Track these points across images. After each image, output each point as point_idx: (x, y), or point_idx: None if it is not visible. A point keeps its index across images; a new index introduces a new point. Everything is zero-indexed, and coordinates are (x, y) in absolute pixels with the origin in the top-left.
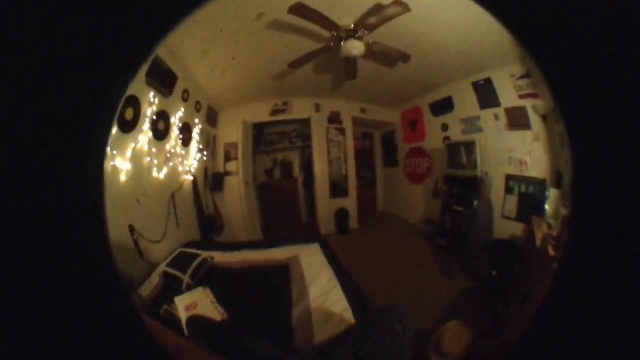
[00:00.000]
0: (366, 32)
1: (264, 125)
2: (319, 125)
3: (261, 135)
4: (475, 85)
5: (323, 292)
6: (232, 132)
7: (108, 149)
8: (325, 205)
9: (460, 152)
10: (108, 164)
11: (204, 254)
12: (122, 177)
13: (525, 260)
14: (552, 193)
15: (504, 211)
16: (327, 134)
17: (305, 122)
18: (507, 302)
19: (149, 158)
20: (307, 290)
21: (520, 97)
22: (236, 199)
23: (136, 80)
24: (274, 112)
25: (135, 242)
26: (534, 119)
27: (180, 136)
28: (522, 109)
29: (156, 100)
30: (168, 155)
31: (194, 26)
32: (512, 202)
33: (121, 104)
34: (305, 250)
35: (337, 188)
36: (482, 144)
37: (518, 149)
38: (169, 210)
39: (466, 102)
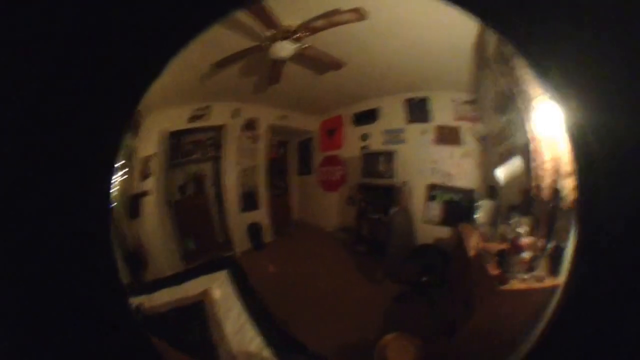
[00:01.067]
0: (307, 34)
1: (182, 133)
2: (232, 133)
3: (178, 145)
4: (410, 101)
5: (237, 330)
6: (150, 143)
7: None
8: (238, 221)
9: (377, 161)
10: None
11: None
12: None
13: (455, 265)
14: (485, 204)
15: (427, 217)
16: (240, 143)
17: (220, 129)
18: (446, 307)
19: None
20: (223, 329)
21: (457, 119)
22: (154, 225)
23: None
24: (193, 118)
25: None
26: (468, 139)
27: None
28: (454, 129)
29: None
30: None
31: None
32: (435, 209)
33: None
34: (216, 281)
35: (248, 201)
36: (404, 155)
37: (444, 162)
38: None
39: (393, 116)
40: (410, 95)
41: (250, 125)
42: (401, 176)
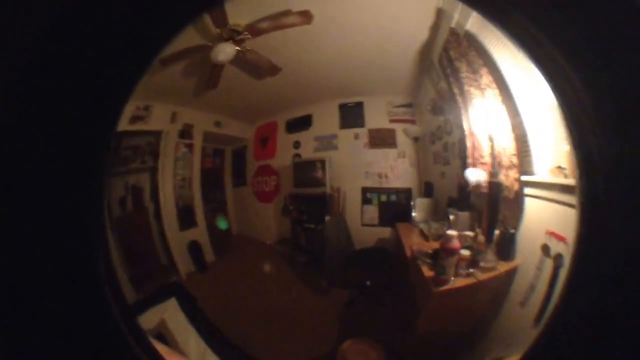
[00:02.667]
0: (249, 36)
1: (123, 135)
2: (169, 142)
3: (118, 150)
4: (342, 106)
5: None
6: None
7: None
8: (178, 241)
9: (308, 170)
10: None
11: None
12: None
13: (399, 266)
14: (420, 202)
15: (363, 220)
16: (176, 152)
17: (159, 136)
18: (397, 307)
19: None
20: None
21: (392, 121)
22: None
23: None
24: (134, 118)
25: None
26: (402, 140)
27: None
28: (391, 131)
29: None
30: None
31: None
32: (372, 211)
33: None
34: (168, 309)
35: (186, 218)
36: (336, 162)
37: (377, 165)
38: None
39: (327, 121)
40: (345, 100)
41: (186, 132)
42: (335, 182)
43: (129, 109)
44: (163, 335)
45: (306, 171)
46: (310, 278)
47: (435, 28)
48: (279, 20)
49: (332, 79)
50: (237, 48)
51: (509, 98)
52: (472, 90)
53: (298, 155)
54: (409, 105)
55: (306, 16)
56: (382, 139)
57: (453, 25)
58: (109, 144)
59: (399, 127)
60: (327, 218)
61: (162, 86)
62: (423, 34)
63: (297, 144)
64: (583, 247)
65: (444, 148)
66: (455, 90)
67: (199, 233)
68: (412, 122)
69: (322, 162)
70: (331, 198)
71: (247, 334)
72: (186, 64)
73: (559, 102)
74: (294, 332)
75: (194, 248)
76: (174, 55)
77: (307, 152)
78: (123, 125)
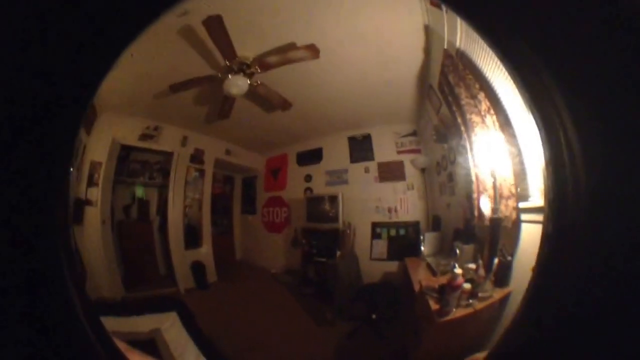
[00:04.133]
0: (259, 70)
1: (131, 149)
2: (180, 164)
3: (126, 160)
4: (352, 140)
5: None
6: (100, 146)
7: None
8: (181, 257)
9: (321, 205)
10: None
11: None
12: None
13: (405, 298)
14: (428, 236)
15: (372, 255)
16: (187, 175)
17: (169, 156)
18: (397, 338)
19: None
20: None
21: (400, 152)
22: (96, 239)
23: None
24: (144, 136)
25: None
26: (410, 172)
27: None
28: (399, 163)
29: None
30: None
31: None
32: (381, 246)
33: None
34: (166, 321)
35: (192, 238)
36: (347, 196)
37: (387, 199)
38: None
39: (337, 155)
40: (353, 132)
41: (197, 157)
42: (347, 217)
43: (138, 125)
44: (155, 342)
45: (319, 206)
46: (314, 309)
47: (427, 49)
48: (287, 55)
49: (339, 111)
50: (249, 82)
51: (507, 123)
52: (474, 117)
53: (310, 189)
54: (413, 134)
55: (314, 50)
56: (391, 172)
57: (445, 46)
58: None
59: (406, 159)
60: (338, 253)
61: (173, 110)
62: (418, 57)
63: (308, 178)
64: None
65: (449, 178)
66: (458, 118)
67: (204, 254)
68: (418, 151)
69: (335, 198)
70: (343, 234)
71: (244, 356)
72: (197, 91)
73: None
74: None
75: (197, 267)
76: (183, 84)
77: (319, 185)
78: (132, 140)
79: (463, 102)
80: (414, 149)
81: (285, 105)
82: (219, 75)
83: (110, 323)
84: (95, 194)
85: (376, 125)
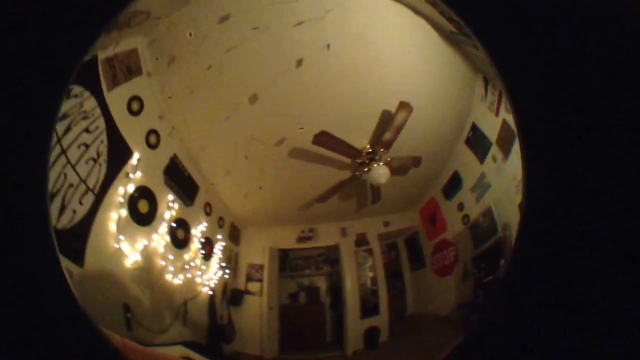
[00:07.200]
0: (383, 150)
1: (289, 250)
2: (347, 251)
3: (286, 260)
4: (468, 141)
5: None
6: (256, 253)
7: None
8: (355, 327)
9: (481, 225)
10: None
11: None
12: (127, 263)
13: None
14: None
15: None
16: (357, 259)
17: (333, 248)
18: None
19: (164, 262)
20: None
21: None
22: (256, 318)
23: (151, 174)
24: (301, 239)
25: (128, 319)
26: None
27: (202, 251)
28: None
29: (176, 206)
30: (187, 266)
31: (216, 139)
32: None
33: None
34: None
35: (368, 308)
36: (494, 197)
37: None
38: (179, 313)
39: (468, 165)
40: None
41: (361, 240)
42: (500, 222)
43: (292, 232)
44: None
45: (479, 227)
46: None
47: None
48: (393, 124)
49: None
50: (383, 164)
51: None
52: None
53: (467, 216)
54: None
55: (406, 106)
56: (505, 139)
57: None
58: None
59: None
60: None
61: (323, 212)
62: None
63: (460, 206)
64: None
65: None
66: None
67: (380, 320)
68: None
69: (489, 210)
70: (503, 239)
71: None
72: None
73: None
74: None
75: (372, 332)
76: (327, 193)
77: (471, 207)
78: (291, 244)
79: None
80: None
81: (416, 162)
82: (357, 173)
83: None
84: (257, 287)
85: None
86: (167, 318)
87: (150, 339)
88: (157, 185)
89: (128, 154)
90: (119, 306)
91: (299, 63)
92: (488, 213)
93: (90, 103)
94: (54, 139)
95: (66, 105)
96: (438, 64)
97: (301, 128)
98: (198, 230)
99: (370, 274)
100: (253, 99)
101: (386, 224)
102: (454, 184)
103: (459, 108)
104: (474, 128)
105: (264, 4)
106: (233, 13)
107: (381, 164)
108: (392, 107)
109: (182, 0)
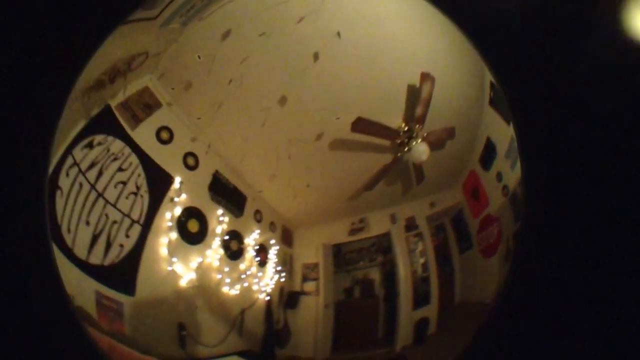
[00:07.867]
0: (418, 126)
1: (342, 244)
2: (398, 237)
3: (340, 255)
4: (492, 102)
5: None
6: (309, 252)
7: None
8: (408, 319)
9: (518, 197)
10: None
11: None
12: (182, 283)
13: None
14: None
15: None
16: (408, 244)
17: (384, 236)
18: None
19: (220, 275)
20: None
21: None
22: (311, 318)
23: (196, 193)
24: (353, 231)
25: (182, 337)
26: None
27: (257, 258)
28: None
29: (226, 219)
30: (243, 276)
31: (255, 147)
32: None
33: None
34: None
35: (420, 298)
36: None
37: None
38: (235, 323)
39: (497, 129)
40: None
41: (411, 225)
42: None
43: (343, 226)
44: None
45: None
46: None
47: None
48: (423, 96)
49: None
50: (422, 140)
51: None
52: None
53: (506, 186)
54: None
55: (428, 77)
56: None
57: None
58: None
59: None
60: None
61: (370, 200)
62: None
63: (499, 176)
64: None
65: None
66: None
67: (430, 310)
68: None
69: None
70: None
71: None
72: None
73: None
74: None
75: (421, 324)
76: (374, 179)
77: (508, 176)
78: (343, 238)
79: None
80: None
81: (452, 133)
82: (399, 155)
83: None
84: (313, 286)
85: None
86: (223, 330)
87: (206, 354)
88: (204, 203)
89: (168, 180)
90: (172, 327)
91: (316, 57)
92: (522, 182)
93: (117, 145)
94: (87, 187)
95: (91, 155)
96: (442, 30)
97: (337, 118)
98: (251, 239)
99: (421, 260)
100: (282, 100)
101: (432, 204)
102: (489, 151)
103: (475, 68)
104: (492, 86)
105: (259, 11)
106: (232, 27)
107: (419, 140)
108: (416, 80)
109: (175, 30)
